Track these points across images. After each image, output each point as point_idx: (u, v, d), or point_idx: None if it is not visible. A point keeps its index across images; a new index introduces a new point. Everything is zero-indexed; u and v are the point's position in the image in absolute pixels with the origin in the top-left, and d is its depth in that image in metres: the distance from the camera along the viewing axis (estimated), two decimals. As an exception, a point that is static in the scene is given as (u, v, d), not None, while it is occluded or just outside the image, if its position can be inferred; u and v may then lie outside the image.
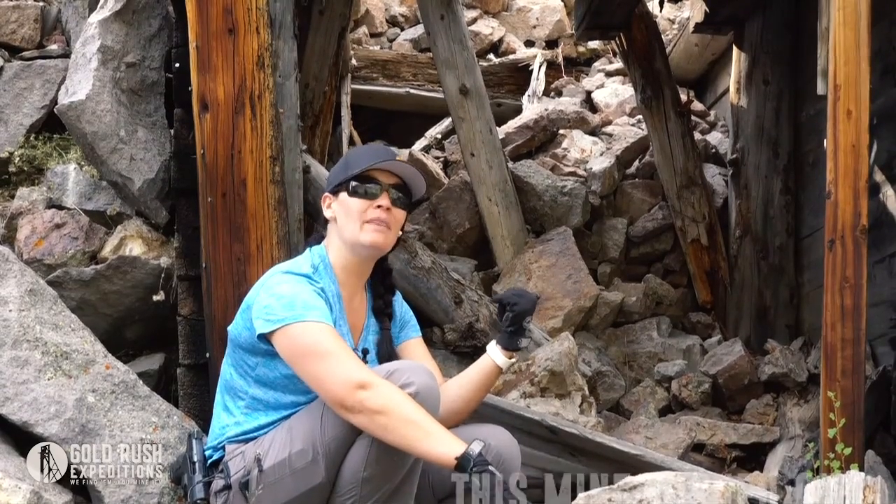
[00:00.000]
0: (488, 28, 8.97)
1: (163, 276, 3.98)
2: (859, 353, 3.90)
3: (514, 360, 3.26)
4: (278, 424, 3.07)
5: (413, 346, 3.33)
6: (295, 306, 2.98)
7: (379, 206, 3.15)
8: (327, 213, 3.23)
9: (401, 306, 3.37)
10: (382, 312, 3.30)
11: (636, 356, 6.19)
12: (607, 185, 7.01)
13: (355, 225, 3.15)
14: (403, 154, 7.26)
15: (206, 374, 3.74)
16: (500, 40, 8.99)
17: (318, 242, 3.25)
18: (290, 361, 2.99)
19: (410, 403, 2.86)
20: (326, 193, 3.24)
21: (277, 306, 2.99)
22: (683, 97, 7.03)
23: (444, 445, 2.82)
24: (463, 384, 3.24)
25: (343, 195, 3.18)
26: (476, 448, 2.82)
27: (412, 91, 8.17)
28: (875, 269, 5.10)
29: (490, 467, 2.80)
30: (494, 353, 3.22)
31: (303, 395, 3.07)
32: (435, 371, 3.21)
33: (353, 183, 3.16)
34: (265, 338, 3.02)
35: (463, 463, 2.79)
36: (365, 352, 3.21)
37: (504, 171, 6.45)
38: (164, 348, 4.04)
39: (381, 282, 3.30)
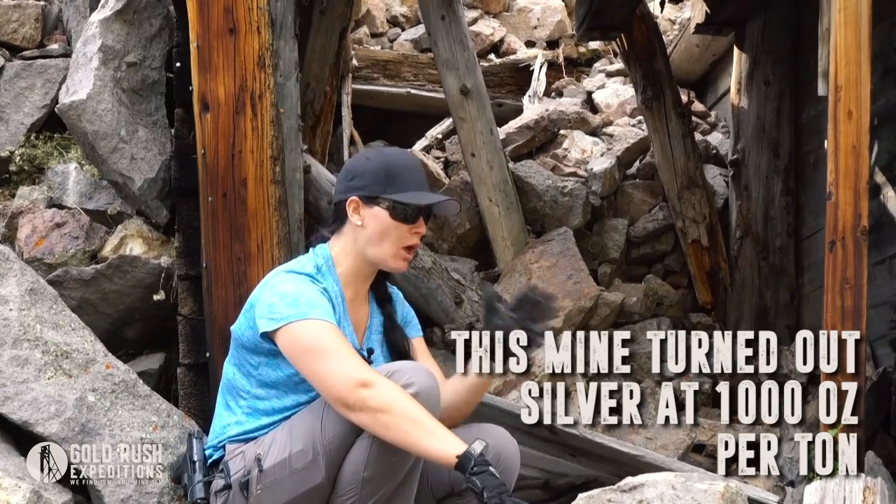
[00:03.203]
0: (489, 28, 8.97)
1: (163, 275, 3.98)
2: (860, 354, 3.90)
3: None
4: (279, 424, 3.08)
5: (414, 346, 3.33)
6: (298, 304, 2.98)
7: (416, 232, 3.14)
8: (354, 220, 3.14)
9: (402, 305, 3.37)
10: (382, 298, 3.30)
11: (636, 356, 6.19)
12: (608, 186, 7.01)
13: (389, 248, 3.12)
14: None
15: (206, 374, 3.74)
16: (501, 41, 8.99)
17: (322, 242, 3.24)
18: (293, 359, 2.99)
19: (412, 402, 2.86)
20: (355, 197, 3.13)
21: (281, 305, 2.99)
22: (684, 98, 7.03)
23: (445, 444, 2.82)
24: (458, 386, 3.22)
25: (381, 211, 3.11)
26: (478, 448, 2.82)
27: (413, 91, 8.17)
28: (875, 271, 5.10)
29: (490, 468, 2.80)
30: None
31: (305, 395, 3.06)
32: (437, 372, 3.21)
33: (397, 206, 3.11)
34: (268, 336, 3.02)
35: (464, 462, 2.79)
36: (370, 351, 3.20)
37: (504, 171, 6.45)
38: (164, 348, 4.04)
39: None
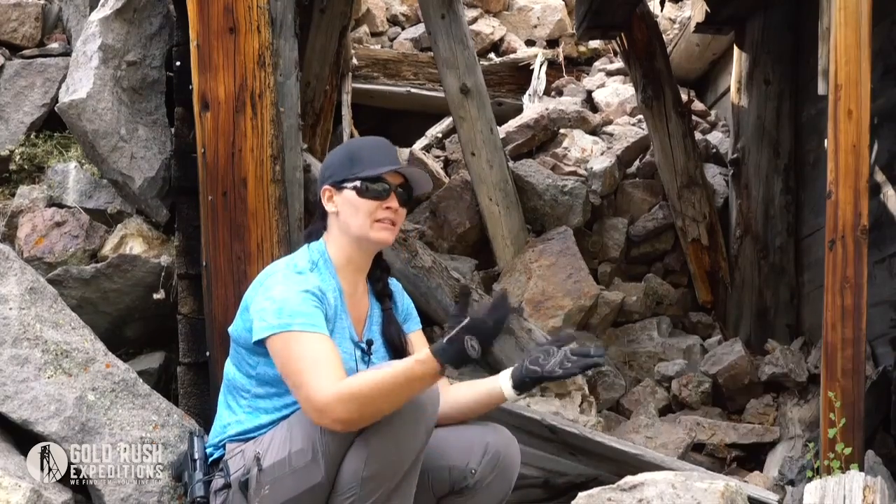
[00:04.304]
0: (489, 27, 8.97)
1: (163, 274, 3.98)
2: (859, 353, 3.90)
3: (522, 397, 3.21)
4: (280, 423, 3.08)
5: (414, 339, 3.34)
6: (282, 314, 2.98)
7: (388, 207, 3.16)
8: (329, 207, 3.21)
9: (403, 296, 3.39)
10: (382, 294, 3.30)
11: (636, 356, 6.19)
12: (608, 185, 7.01)
13: (364, 223, 3.15)
14: (404, 153, 7.26)
15: (206, 373, 3.74)
16: (501, 40, 8.99)
17: (317, 238, 3.25)
18: (278, 370, 3.02)
19: (368, 381, 2.85)
20: (327, 186, 3.21)
21: (269, 312, 3.00)
22: (684, 97, 7.03)
23: (422, 376, 2.83)
24: (469, 399, 3.20)
25: (349, 193, 3.17)
26: (440, 345, 2.82)
27: (413, 90, 8.17)
28: (875, 269, 5.10)
29: (451, 337, 2.81)
30: (506, 386, 3.11)
31: (303, 393, 3.07)
32: None
33: (362, 183, 3.16)
34: (260, 342, 3.04)
35: (442, 357, 2.80)
36: (370, 343, 3.21)
37: (504, 170, 6.45)
38: (164, 347, 4.04)
39: (376, 265, 3.30)
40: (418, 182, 3.24)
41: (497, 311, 2.86)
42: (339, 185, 3.19)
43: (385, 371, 2.87)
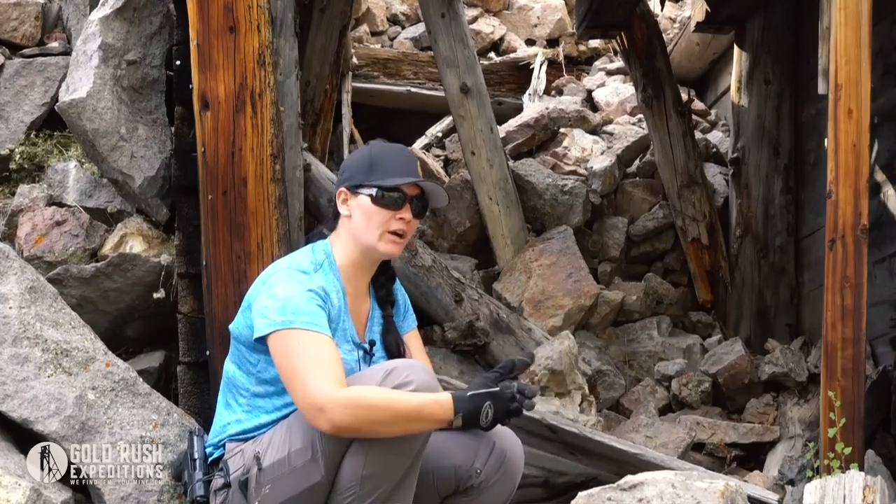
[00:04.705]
0: (489, 27, 8.97)
1: (163, 273, 3.98)
2: (860, 353, 3.90)
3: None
4: (279, 423, 3.07)
5: (410, 338, 3.35)
6: (285, 311, 2.98)
7: (401, 218, 3.16)
8: (343, 210, 3.20)
9: (403, 294, 3.40)
10: (385, 301, 3.31)
11: (636, 355, 6.19)
12: (608, 184, 7.01)
13: (375, 232, 3.15)
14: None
15: (206, 372, 3.74)
16: (501, 39, 9.00)
17: (322, 237, 3.25)
18: (276, 367, 3.02)
19: (377, 404, 2.85)
20: (343, 188, 3.21)
21: (271, 309, 3.00)
22: (684, 96, 7.03)
23: (432, 416, 2.89)
24: None
25: (364, 199, 3.16)
26: (462, 395, 2.90)
27: (413, 89, 8.17)
28: (875, 269, 5.10)
29: (486, 391, 2.91)
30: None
31: (303, 393, 3.06)
32: (427, 363, 3.25)
33: (378, 191, 3.15)
34: (262, 339, 3.04)
35: (460, 408, 2.89)
36: (371, 343, 3.22)
37: (505, 169, 6.45)
38: (164, 346, 4.04)
39: (382, 272, 3.31)
40: (435, 196, 3.23)
41: (523, 400, 2.96)
42: (355, 190, 3.18)
43: (400, 393, 2.88)
